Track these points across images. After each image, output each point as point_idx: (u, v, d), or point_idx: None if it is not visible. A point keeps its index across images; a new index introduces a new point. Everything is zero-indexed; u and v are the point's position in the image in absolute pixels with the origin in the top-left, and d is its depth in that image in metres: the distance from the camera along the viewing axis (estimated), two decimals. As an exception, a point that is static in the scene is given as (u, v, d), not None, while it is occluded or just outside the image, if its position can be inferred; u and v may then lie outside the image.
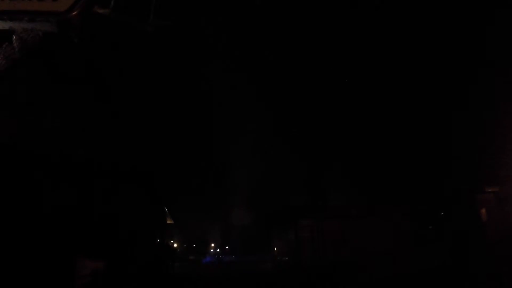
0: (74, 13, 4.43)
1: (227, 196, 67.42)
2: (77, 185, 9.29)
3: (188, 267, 30.98)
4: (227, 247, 69.62)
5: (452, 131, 24.14)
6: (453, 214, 24.46)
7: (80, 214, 8.81)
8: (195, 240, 66.41)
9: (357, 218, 18.40)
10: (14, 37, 4.47)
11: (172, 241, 34.33)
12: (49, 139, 9.13)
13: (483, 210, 22.71)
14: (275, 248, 28.90)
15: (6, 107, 7.74)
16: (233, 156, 65.18)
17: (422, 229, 25.62)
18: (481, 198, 22.57)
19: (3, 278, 6.53)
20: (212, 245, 71.90)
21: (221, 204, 67.67)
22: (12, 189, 7.86)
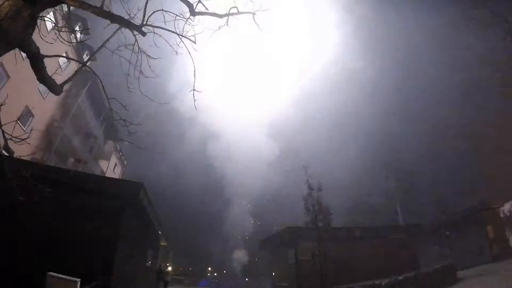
0: None
1: (226, 217, 65.91)
2: (54, 198, 8.67)
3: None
4: (224, 271, 67.23)
5: (458, 148, 23.80)
6: (458, 232, 23.67)
7: (56, 230, 8.16)
8: (192, 263, 64.31)
9: (361, 240, 17.55)
10: (-9, 25, 4.01)
11: (167, 264, 32.96)
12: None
13: (489, 227, 21.97)
14: (273, 273, 27.66)
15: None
16: (231, 174, 64.45)
17: (427, 249, 24.72)
18: (487, 215, 21.92)
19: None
20: (209, 269, 69.58)
21: (219, 225, 66.01)
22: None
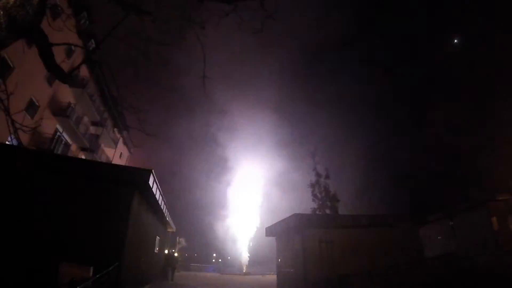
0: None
1: (232, 202, 66.50)
2: (62, 187, 8.77)
3: (189, 276, 30.13)
4: (229, 257, 68.42)
5: (462, 139, 23.60)
6: (463, 223, 23.75)
7: (67, 219, 8.26)
8: (198, 249, 65.55)
9: (367, 227, 17.63)
10: (1, 13, 3.95)
11: (173, 250, 33.56)
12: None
13: (494, 219, 22.07)
14: (279, 260, 27.96)
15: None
16: (238, 160, 64.62)
17: (432, 239, 24.87)
18: (492, 207, 22.03)
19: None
20: (214, 255, 70.83)
21: (225, 211, 66.71)
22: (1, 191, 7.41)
